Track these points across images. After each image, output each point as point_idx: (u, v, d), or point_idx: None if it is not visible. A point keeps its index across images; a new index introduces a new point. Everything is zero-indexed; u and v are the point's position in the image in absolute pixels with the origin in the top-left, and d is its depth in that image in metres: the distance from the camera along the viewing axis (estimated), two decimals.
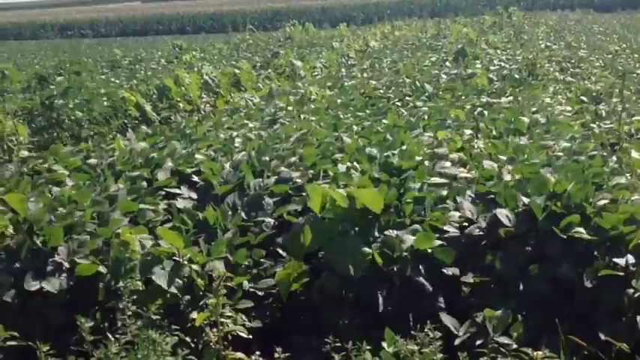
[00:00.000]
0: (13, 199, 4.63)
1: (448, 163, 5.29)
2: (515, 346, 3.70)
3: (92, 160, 6.24)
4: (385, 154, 5.54)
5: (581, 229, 4.08)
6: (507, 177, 4.86)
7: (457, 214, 4.43)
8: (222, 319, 3.79)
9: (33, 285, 4.06)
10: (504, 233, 4.26)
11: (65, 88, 11.94)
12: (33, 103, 11.52)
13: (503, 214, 4.31)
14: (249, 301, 4.17)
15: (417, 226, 4.31)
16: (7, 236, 4.42)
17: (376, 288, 4.13)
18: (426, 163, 5.34)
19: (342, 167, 5.23)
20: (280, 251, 4.58)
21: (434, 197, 4.56)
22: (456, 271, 4.20)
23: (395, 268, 4.13)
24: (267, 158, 5.68)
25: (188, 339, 3.92)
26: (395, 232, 4.24)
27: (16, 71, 17.57)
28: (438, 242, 4.20)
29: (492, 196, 4.62)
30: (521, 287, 4.07)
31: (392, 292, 4.12)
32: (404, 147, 5.74)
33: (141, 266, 4.09)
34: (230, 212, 4.81)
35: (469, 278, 4.16)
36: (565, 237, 4.09)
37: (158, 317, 3.79)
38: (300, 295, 4.39)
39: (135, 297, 3.87)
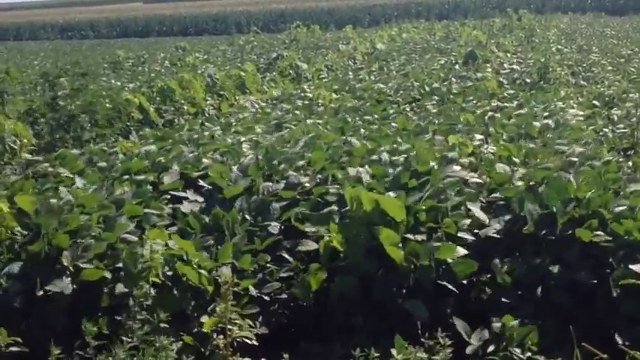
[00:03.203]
0: (23, 201, 4.57)
1: (458, 167, 5.22)
2: (529, 354, 3.64)
3: (101, 163, 6.17)
4: (405, 157, 5.46)
5: (600, 233, 4.05)
6: (519, 182, 4.79)
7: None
8: (230, 326, 3.72)
9: (43, 289, 4.00)
10: (523, 235, 4.22)
11: (70, 90, 11.86)
12: (36, 104, 11.45)
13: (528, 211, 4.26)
14: (255, 307, 4.14)
15: (439, 233, 4.24)
16: (15, 239, 4.35)
17: (396, 291, 4.08)
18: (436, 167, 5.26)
19: (352, 171, 5.16)
20: (286, 256, 4.51)
21: (449, 206, 4.47)
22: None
23: (416, 274, 4.07)
24: (276, 162, 5.60)
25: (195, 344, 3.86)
26: (414, 236, 4.17)
27: (18, 72, 17.48)
28: (463, 251, 4.12)
29: (504, 202, 4.57)
30: (538, 293, 4.03)
31: (411, 296, 4.06)
32: (415, 152, 5.65)
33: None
34: (239, 217, 4.73)
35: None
36: (584, 242, 4.05)
37: (164, 323, 3.73)
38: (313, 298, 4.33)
39: (144, 302, 3.81)
